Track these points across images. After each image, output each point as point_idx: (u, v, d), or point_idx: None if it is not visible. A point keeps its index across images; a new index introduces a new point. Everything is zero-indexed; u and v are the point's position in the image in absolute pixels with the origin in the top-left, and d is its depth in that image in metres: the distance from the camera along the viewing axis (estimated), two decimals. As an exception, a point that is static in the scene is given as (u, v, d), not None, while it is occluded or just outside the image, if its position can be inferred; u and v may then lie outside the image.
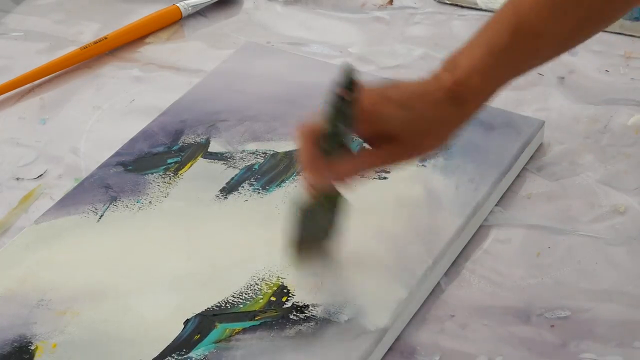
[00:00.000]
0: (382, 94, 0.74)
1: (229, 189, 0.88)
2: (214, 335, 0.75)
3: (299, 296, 0.77)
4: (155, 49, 1.10)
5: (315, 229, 0.78)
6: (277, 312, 0.76)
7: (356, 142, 0.91)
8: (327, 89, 0.72)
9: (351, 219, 0.83)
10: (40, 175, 0.94)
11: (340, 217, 0.78)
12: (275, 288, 0.78)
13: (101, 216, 0.86)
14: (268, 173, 0.89)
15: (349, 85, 0.72)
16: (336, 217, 0.78)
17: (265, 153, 0.91)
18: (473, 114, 0.74)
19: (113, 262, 0.81)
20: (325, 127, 0.73)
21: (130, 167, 0.90)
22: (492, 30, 0.73)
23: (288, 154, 0.91)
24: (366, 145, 0.76)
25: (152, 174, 0.90)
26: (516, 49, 0.72)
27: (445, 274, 0.81)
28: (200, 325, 0.75)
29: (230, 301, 0.77)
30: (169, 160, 0.91)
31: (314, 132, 0.73)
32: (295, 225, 0.78)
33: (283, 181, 0.88)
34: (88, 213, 0.86)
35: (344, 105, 0.72)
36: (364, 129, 0.74)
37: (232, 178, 0.89)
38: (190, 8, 1.15)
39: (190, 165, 0.90)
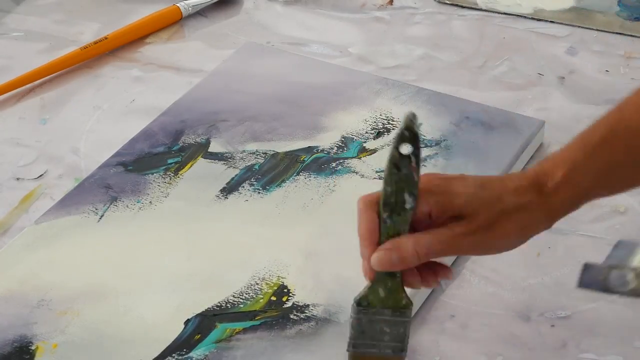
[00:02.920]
0: (453, 175, 0.68)
1: (229, 189, 0.88)
2: (214, 335, 0.75)
3: (299, 296, 0.77)
4: (155, 49, 1.10)
5: (378, 334, 0.67)
6: (277, 312, 0.76)
7: (357, 142, 0.91)
8: (391, 148, 0.65)
9: (351, 219, 0.83)
10: (41, 175, 0.94)
11: (409, 325, 0.68)
12: (275, 288, 0.78)
13: (101, 216, 0.86)
14: (268, 173, 0.89)
15: (410, 138, 0.64)
16: (402, 323, 0.67)
17: (266, 153, 0.91)
18: (558, 210, 0.67)
19: (113, 262, 0.81)
20: (385, 191, 0.65)
21: (130, 167, 0.90)
22: (589, 128, 0.68)
23: (288, 154, 0.91)
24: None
25: (152, 174, 0.90)
26: (611, 144, 0.66)
27: (446, 274, 0.81)
28: (201, 325, 0.75)
29: (231, 301, 0.77)
30: (169, 161, 0.91)
31: (376, 200, 0.66)
32: (351, 327, 0.68)
33: (283, 181, 0.88)
34: (88, 213, 0.86)
35: (403, 162, 0.64)
36: (430, 202, 0.65)
37: (233, 178, 0.89)
38: (190, 8, 1.15)
39: (191, 166, 0.90)
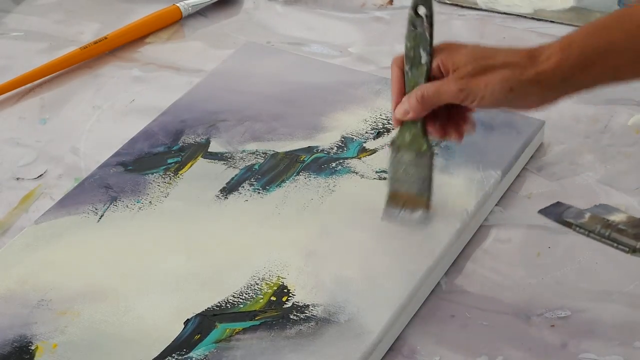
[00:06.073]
0: (467, 44, 0.77)
1: (229, 189, 0.88)
2: (214, 335, 0.75)
3: (299, 296, 0.77)
4: (155, 49, 1.10)
5: (405, 174, 0.81)
6: (277, 312, 0.76)
7: (357, 142, 0.91)
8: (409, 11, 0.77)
9: (351, 219, 0.83)
10: (41, 175, 0.94)
11: (430, 169, 0.81)
12: (275, 288, 0.78)
13: (101, 216, 0.86)
14: (268, 173, 0.89)
15: (424, 1, 0.77)
16: (424, 166, 0.80)
17: (266, 153, 0.91)
18: (546, 74, 0.72)
19: (113, 262, 0.81)
20: (405, 46, 0.78)
21: (130, 167, 0.90)
22: (594, 21, 0.74)
23: (288, 154, 0.91)
24: None
25: (152, 174, 0.90)
26: (610, 28, 0.72)
27: (446, 274, 0.81)
28: (201, 325, 0.75)
29: (231, 301, 0.77)
30: (169, 160, 0.91)
31: (402, 59, 0.79)
32: (388, 165, 0.82)
33: (283, 181, 0.88)
34: (88, 213, 0.86)
35: (419, 22, 0.77)
36: (438, 58, 0.77)
37: (232, 178, 0.89)
38: (190, 8, 1.15)
39: (191, 166, 0.90)
